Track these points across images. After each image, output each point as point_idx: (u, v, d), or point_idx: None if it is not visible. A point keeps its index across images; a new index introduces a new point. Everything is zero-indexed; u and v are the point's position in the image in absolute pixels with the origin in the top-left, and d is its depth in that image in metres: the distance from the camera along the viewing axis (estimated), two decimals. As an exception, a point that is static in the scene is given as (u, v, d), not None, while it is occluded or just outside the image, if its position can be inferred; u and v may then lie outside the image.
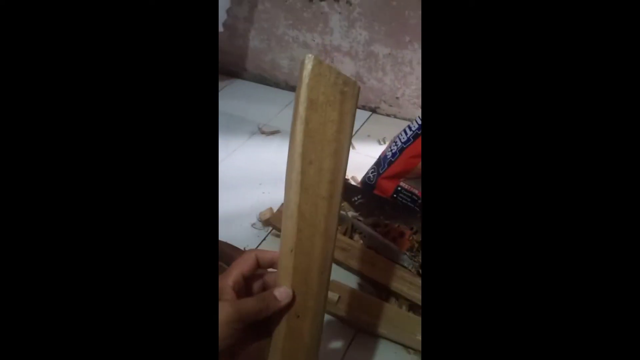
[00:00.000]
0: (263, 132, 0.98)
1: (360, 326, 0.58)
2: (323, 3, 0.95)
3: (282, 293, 0.35)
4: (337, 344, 0.56)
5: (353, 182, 0.81)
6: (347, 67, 1.01)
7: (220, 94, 1.12)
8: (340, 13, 0.94)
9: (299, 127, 0.34)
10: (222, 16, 1.01)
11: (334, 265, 0.67)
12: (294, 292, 0.35)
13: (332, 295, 0.58)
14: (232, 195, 0.80)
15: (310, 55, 0.34)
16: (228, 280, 0.35)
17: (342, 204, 0.76)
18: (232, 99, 1.10)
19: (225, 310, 0.32)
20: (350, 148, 0.37)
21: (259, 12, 1.04)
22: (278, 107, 1.07)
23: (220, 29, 1.04)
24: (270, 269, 0.38)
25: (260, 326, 0.35)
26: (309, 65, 0.34)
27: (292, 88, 1.12)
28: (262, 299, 0.34)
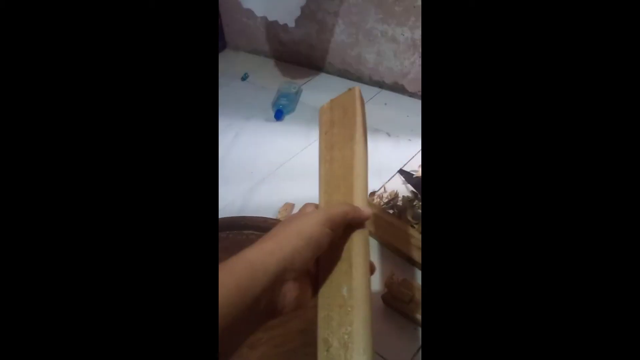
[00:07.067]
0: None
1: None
2: (416, -4, 0.92)
3: (365, 208, 0.40)
4: (408, 346, 0.56)
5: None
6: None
7: (304, 87, 1.14)
8: (432, 6, 0.91)
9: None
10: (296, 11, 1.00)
11: (407, 265, 0.66)
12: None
13: (405, 295, 0.57)
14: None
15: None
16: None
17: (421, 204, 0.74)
18: (314, 92, 1.12)
19: (319, 214, 0.37)
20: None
21: (349, 5, 1.04)
22: (361, 102, 1.06)
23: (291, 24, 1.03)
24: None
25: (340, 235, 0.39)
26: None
27: (376, 83, 1.11)
28: (346, 203, 0.40)
